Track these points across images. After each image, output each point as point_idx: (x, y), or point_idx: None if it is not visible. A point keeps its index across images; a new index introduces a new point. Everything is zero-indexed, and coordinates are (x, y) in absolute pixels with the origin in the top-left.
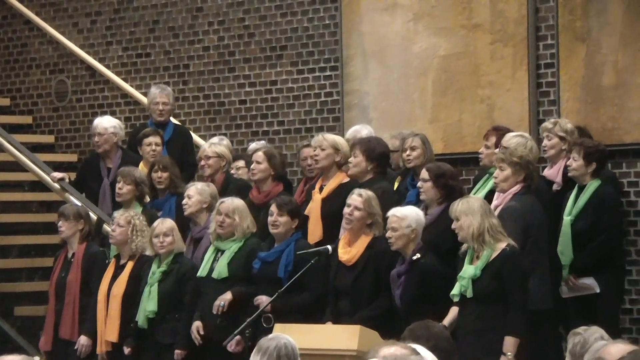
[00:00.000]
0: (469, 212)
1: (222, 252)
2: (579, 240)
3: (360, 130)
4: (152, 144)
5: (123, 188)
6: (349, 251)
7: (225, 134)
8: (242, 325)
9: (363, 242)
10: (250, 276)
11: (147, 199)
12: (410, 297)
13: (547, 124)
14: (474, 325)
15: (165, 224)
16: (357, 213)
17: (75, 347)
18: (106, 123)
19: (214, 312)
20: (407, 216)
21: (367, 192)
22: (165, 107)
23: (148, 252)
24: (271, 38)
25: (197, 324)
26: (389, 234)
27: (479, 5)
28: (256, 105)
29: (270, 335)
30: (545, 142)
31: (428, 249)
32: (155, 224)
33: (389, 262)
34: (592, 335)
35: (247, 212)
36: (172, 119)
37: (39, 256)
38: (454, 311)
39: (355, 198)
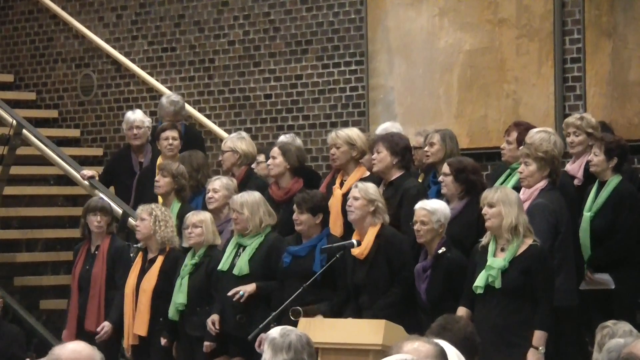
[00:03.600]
0: (507, 201)
1: (244, 247)
2: (597, 236)
3: (390, 128)
4: (169, 137)
5: (160, 181)
6: (359, 245)
7: (250, 129)
8: (267, 320)
9: (372, 233)
10: (279, 270)
11: (187, 192)
12: (436, 291)
13: (574, 120)
14: (497, 320)
15: (197, 215)
16: (355, 202)
17: (98, 330)
18: (142, 117)
19: (232, 298)
20: (436, 210)
21: (363, 183)
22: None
23: (185, 244)
24: (296, 32)
25: (213, 317)
26: (417, 226)
27: (505, 0)
28: (281, 100)
29: (277, 333)
30: (573, 138)
31: (452, 244)
32: (188, 214)
33: (399, 249)
34: (620, 328)
35: (259, 205)
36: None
37: (65, 250)
38: (460, 311)
39: (353, 190)
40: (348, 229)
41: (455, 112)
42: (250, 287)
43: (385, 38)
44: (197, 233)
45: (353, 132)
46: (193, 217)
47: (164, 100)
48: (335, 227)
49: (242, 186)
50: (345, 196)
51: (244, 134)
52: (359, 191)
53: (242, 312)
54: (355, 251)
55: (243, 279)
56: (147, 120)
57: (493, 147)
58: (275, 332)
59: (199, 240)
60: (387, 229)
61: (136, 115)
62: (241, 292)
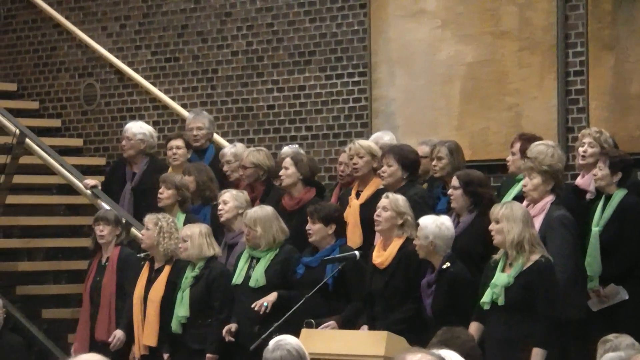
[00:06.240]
0: (511, 217)
1: (257, 259)
2: (605, 251)
3: (382, 136)
4: (172, 147)
5: (164, 193)
6: (381, 254)
7: (253, 139)
8: (270, 329)
9: (395, 244)
10: (293, 281)
11: (190, 204)
12: (440, 306)
13: (593, 132)
14: (502, 334)
15: (186, 229)
16: (384, 214)
17: (110, 340)
18: (136, 129)
19: (259, 311)
20: (426, 226)
21: (394, 194)
22: (199, 132)
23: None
24: (299, 43)
25: (230, 325)
26: (415, 241)
27: (507, 13)
28: (284, 111)
29: (270, 346)
30: (587, 148)
31: (458, 258)
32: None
33: (418, 264)
34: (623, 342)
35: (272, 221)
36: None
37: (66, 259)
38: (473, 326)
39: (383, 200)
40: (366, 239)
41: (456, 124)
42: (272, 297)
43: (386, 49)
44: (184, 247)
45: (372, 144)
46: (183, 231)
47: (189, 112)
48: (354, 237)
49: (264, 198)
50: (362, 207)
51: (241, 146)
52: (389, 202)
53: (261, 324)
54: (376, 260)
55: (259, 291)
56: (141, 134)
57: (494, 159)
58: (271, 344)
59: (185, 255)
60: (411, 243)
61: (128, 126)
62: (265, 304)
